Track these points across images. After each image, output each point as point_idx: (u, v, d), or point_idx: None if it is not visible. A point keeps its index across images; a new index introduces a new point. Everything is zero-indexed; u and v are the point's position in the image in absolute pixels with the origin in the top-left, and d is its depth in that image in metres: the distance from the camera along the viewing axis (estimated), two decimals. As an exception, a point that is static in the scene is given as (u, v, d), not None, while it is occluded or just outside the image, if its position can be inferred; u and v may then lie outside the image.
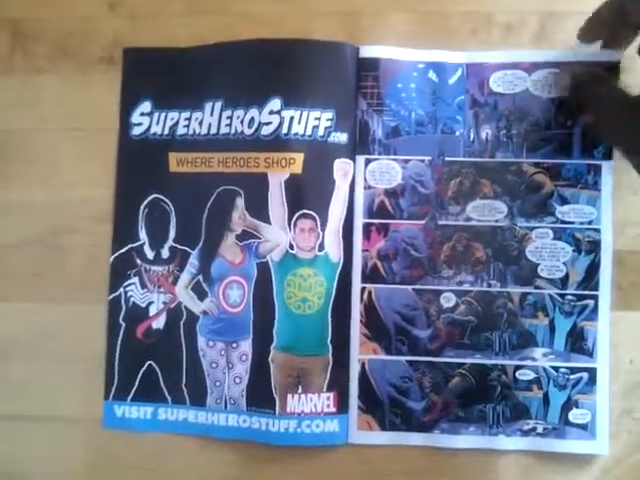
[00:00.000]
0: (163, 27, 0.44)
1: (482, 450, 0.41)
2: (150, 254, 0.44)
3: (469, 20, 0.43)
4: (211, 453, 0.42)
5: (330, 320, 0.41)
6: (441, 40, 0.43)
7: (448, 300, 0.42)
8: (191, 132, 0.43)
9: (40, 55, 0.45)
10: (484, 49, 0.42)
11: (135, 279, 0.44)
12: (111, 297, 0.43)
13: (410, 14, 0.43)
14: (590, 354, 0.41)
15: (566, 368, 0.41)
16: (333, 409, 0.41)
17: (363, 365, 0.42)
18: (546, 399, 0.41)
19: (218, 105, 0.43)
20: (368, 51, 0.42)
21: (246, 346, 0.42)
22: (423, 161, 0.42)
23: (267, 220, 0.42)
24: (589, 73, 0.40)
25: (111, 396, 0.43)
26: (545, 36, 0.42)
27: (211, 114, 0.43)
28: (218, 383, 0.42)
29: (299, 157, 0.41)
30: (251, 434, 0.41)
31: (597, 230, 0.41)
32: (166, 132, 0.44)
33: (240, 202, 0.42)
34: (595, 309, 0.41)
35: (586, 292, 0.41)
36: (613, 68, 0.41)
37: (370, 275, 0.42)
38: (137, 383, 0.43)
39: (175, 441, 0.43)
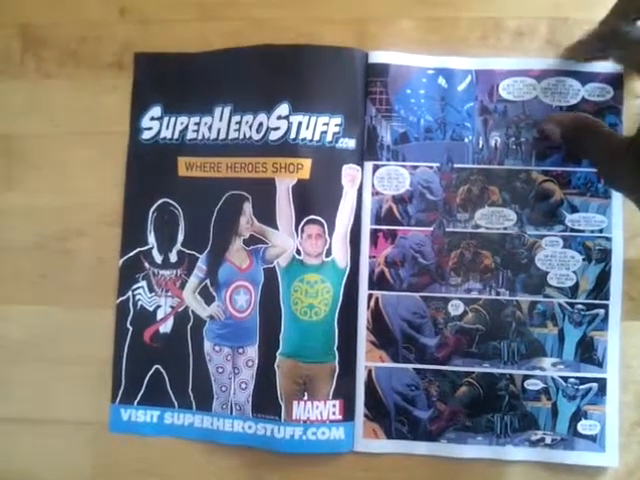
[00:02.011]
0: (173, 32, 0.44)
1: (489, 460, 0.40)
2: (158, 258, 0.44)
3: (478, 26, 0.43)
4: (216, 458, 0.42)
5: (336, 327, 0.41)
6: (450, 46, 0.43)
7: (456, 308, 0.41)
8: (200, 137, 0.44)
9: (51, 60, 0.45)
10: (494, 55, 0.42)
11: (143, 283, 0.44)
12: (119, 301, 0.44)
13: (419, 20, 0.43)
14: (600, 364, 0.40)
15: (575, 378, 0.40)
16: (339, 416, 0.41)
17: (369, 372, 0.41)
18: (555, 409, 0.40)
19: (227, 110, 0.43)
20: (377, 57, 0.42)
21: (252, 352, 0.42)
22: (431, 167, 0.42)
23: (274, 225, 0.42)
24: (576, 121, 0.38)
25: (118, 400, 0.43)
26: (555, 43, 0.42)
27: (220, 119, 0.43)
28: (224, 388, 0.42)
29: (307, 162, 0.41)
30: (256, 440, 0.41)
31: (608, 239, 0.41)
32: (176, 137, 0.44)
33: (248, 207, 0.42)
34: (605, 319, 0.40)
35: (596, 301, 0.41)
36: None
37: (377, 282, 0.42)
38: (144, 387, 0.43)
39: (181, 446, 0.43)
